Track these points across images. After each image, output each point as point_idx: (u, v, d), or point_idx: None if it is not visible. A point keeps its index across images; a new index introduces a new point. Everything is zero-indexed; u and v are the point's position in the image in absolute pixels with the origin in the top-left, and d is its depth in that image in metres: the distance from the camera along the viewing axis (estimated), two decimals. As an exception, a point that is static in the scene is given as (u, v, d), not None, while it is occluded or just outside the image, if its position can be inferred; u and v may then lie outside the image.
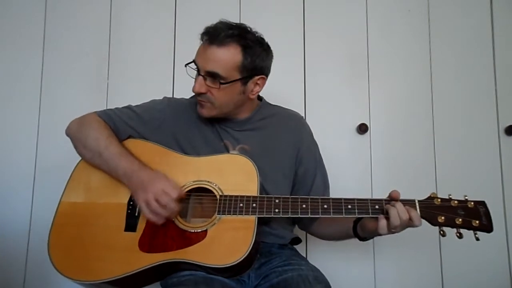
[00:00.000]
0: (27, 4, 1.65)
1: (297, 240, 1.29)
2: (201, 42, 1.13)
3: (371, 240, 1.56)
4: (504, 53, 1.70)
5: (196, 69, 1.13)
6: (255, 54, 1.13)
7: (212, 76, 1.10)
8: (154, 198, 1.00)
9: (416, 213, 0.99)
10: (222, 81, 1.10)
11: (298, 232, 1.34)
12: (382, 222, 1.00)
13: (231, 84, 1.11)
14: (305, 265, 1.10)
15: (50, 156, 1.56)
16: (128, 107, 1.23)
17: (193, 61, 1.13)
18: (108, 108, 1.25)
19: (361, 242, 1.14)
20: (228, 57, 1.10)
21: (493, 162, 1.65)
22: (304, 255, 1.49)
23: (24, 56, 1.63)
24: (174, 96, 1.59)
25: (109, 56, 1.65)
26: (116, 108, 1.23)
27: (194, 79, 1.14)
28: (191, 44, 1.65)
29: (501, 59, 1.70)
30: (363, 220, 1.08)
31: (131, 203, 1.09)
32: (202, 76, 1.11)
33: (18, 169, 1.57)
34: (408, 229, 1.04)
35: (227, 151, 1.19)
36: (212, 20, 1.29)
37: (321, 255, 1.55)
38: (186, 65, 1.14)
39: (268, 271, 1.09)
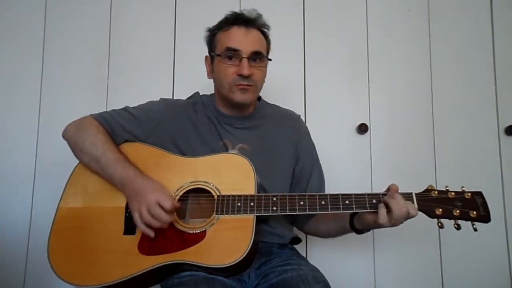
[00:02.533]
0: (27, 4, 1.65)
1: (297, 240, 1.29)
2: (225, 29, 1.18)
3: (371, 240, 1.57)
4: (504, 53, 1.70)
5: (229, 56, 1.15)
6: (268, 38, 1.24)
7: (258, 56, 1.16)
8: (147, 209, 1.00)
9: (411, 204, 1.00)
10: (269, 58, 1.20)
11: (298, 232, 1.34)
12: (382, 212, 1.00)
13: (266, 64, 1.20)
14: (304, 265, 1.11)
15: (50, 156, 1.56)
16: (125, 109, 1.23)
17: (230, 49, 1.14)
18: (106, 110, 1.25)
19: (361, 243, 1.15)
20: (262, 38, 1.20)
21: (493, 162, 1.65)
22: (304, 255, 1.49)
23: (24, 56, 1.63)
24: (174, 97, 1.60)
25: (109, 56, 1.65)
26: (113, 110, 1.22)
27: (227, 67, 1.15)
28: (191, 44, 1.67)
29: (501, 59, 1.70)
30: (360, 213, 1.08)
31: (129, 210, 1.08)
32: (247, 58, 1.14)
33: (18, 169, 1.57)
34: (408, 229, 1.05)
35: (226, 150, 1.19)
36: (212, 20, 1.29)
37: (321, 255, 1.55)
38: (222, 53, 1.16)
39: (268, 271, 1.09)
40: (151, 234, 1.01)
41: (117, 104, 1.29)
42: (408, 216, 1.00)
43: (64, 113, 1.57)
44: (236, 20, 1.17)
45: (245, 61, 1.14)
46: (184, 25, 1.68)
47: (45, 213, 1.13)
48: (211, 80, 1.29)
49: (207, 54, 1.26)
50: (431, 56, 1.70)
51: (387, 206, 1.01)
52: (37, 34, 1.64)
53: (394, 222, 1.00)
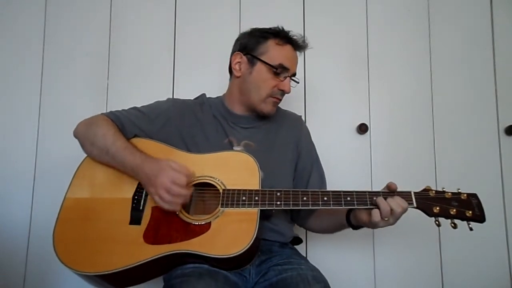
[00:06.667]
0: (27, 4, 1.65)
1: (298, 241, 1.30)
2: (279, 42, 1.22)
3: (371, 240, 1.58)
4: (504, 53, 1.70)
5: (277, 72, 1.21)
6: None
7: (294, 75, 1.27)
8: (165, 190, 1.02)
9: (399, 198, 1.03)
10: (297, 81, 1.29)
11: (298, 231, 1.34)
12: (375, 211, 1.03)
13: None
14: (304, 264, 1.12)
15: (50, 156, 1.56)
16: (134, 108, 1.26)
17: (282, 66, 1.21)
18: (108, 110, 1.25)
19: (361, 243, 1.16)
20: None
21: (493, 162, 1.65)
22: (304, 255, 1.49)
23: (24, 56, 1.63)
24: (174, 96, 1.61)
25: (109, 56, 1.65)
26: (122, 109, 1.25)
27: (272, 78, 1.21)
28: (191, 44, 1.67)
29: (501, 59, 1.70)
30: (356, 211, 1.10)
31: (136, 197, 1.11)
32: (290, 77, 1.24)
33: (18, 169, 1.57)
34: (408, 229, 1.05)
35: (231, 147, 1.22)
36: (211, 21, 1.29)
37: (321, 254, 1.55)
38: (274, 66, 1.21)
39: (268, 269, 1.10)
40: (177, 208, 1.04)
41: (117, 104, 1.29)
42: (402, 209, 1.02)
43: (64, 113, 1.57)
44: (292, 41, 1.24)
45: (288, 79, 1.23)
46: (184, 25, 1.68)
47: (45, 213, 1.13)
48: (212, 81, 1.29)
49: (238, 52, 1.26)
50: (431, 56, 1.70)
51: (377, 205, 1.03)
52: (37, 34, 1.64)
53: (386, 219, 1.02)
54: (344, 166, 1.62)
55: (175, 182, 1.02)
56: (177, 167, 1.05)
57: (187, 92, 1.36)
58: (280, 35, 1.23)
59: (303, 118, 1.54)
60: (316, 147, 1.37)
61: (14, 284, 1.51)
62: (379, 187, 1.09)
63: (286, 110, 1.39)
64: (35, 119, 1.60)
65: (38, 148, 1.58)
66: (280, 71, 1.21)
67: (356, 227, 1.15)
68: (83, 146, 1.18)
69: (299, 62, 1.27)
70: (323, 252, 1.56)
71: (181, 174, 1.03)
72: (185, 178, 1.03)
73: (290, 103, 1.42)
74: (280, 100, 1.26)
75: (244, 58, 1.25)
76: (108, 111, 1.24)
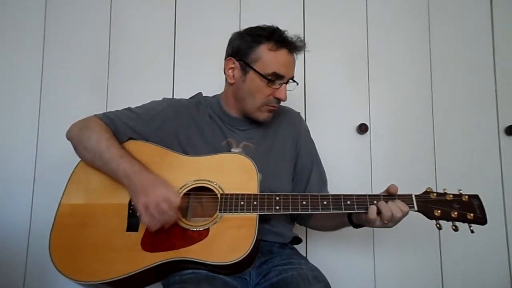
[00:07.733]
0: (27, 4, 1.65)
1: (298, 240, 1.29)
2: (272, 47, 1.13)
3: (371, 240, 1.58)
4: (504, 53, 1.70)
5: (272, 79, 1.14)
6: None
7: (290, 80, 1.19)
8: (154, 203, 1.00)
9: (401, 203, 1.01)
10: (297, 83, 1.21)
11: (298, 231, 1.34)
12: (372, 208, 1.01)
13: None
14: (305, 264, 1.11)
15: (50, 157, 1.56)
16: (129, 109, 1.23)
17: (276, 74, 1.14)
18: (108, 110, 1.25)
19: (362, 243, 1.15)
20: None
21: (493, 162, 1.65)
22: (304, 255, 1.49)
23: (24, 56, 1.63)
24: (174, 96, 1.60)
25: (109, 56, 1.65)
26: (117, 110, 1.22)
27: (265, 87, 1.15)
28: (191, 44, 1.67)
29: (501, 59, 1.70)
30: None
31: (132, 203, 1.09)
32: (285, 83, 1.17)
33: (18, 170, 1.57)
34: (408, 229, 1.05)
35: (229, 149, 1.20)
36: (211, 21, 1.28)
37: (321, 254, 1.55)
38: (266, 75, 1.14)
39: (269, 270, 1.10)
40: (155, 227, 1.02)
41: (117, 104, 1.29)
42: (402, 214, 1.00)
43: (64, 113, 1.58)
44: (286, 43, 1.14)
45: (284, 86, 1.16)
46: (184, 24, 1.68)
47: (45, 213, 1.13)
48: (212, 81, 1.29)
49: (231, 57, 1.19)
50: (431, 56, 1.70)
51: (378, 209, 1.02)
52: (37, 34, 1.64)
53: (385, 222, 1.01)
54: (344, 166, 1.62)
55: (167, 199, 1.00)
56: (172, 187, 1.04)
57: (187, 91, 1.35)
58: (274, 39, 1.13)
59: (303, 118, 1.54)
60: (316, 147, 1.36)
61: (14, 284, 1.51)
62: (379, 187, 1.09)
63: (284, 106, 1.34)
64: (35, 119, 1.60)
65: (38, 148, 1.58)
66: (275, 79, 1.14)
67: (357, 225, 1.14)
68: (76, 149, 1.16)
69: (299, 62, 1.24)
70: (323, 252, 1.56)
71: (176, 195, 1.02)
72: (178, 200, 1.01)
73: (290, 103, 1.41)
74: (276, 107, 1.20)
75: (237, 64, 1.18)
76: (107, 111, 1.23)
